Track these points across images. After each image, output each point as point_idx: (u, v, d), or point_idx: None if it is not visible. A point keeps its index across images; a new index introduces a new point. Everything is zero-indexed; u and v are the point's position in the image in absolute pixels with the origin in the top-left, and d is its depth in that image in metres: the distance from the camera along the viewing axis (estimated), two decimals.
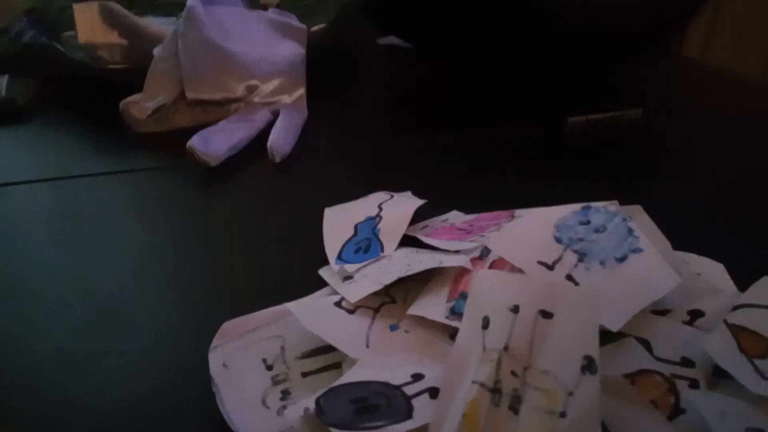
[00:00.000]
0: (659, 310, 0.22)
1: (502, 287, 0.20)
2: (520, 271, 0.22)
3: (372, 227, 0.29)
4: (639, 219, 0.25)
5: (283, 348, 0.23)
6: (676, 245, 0.25)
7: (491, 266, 0.23)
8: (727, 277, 0.25)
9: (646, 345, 0.20)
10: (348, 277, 0.26)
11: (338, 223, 0.31)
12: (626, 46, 0.46)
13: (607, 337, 0.20)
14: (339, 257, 0.28)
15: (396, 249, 0.27)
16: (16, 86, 0.47)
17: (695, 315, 0.22)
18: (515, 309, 0.19)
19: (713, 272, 0.25)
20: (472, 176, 0.36)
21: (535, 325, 0.19)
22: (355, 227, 0.30)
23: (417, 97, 0.48)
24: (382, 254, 0.27)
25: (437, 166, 0.37)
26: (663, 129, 0.42)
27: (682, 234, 0.26)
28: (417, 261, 0.25)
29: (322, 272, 0.27)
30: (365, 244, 0.28)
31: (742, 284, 0.24)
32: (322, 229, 0.30)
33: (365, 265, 0.26)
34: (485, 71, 0.52)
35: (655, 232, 0.24)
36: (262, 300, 0.25)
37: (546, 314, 0.19)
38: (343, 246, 0.29)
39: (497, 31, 0.43)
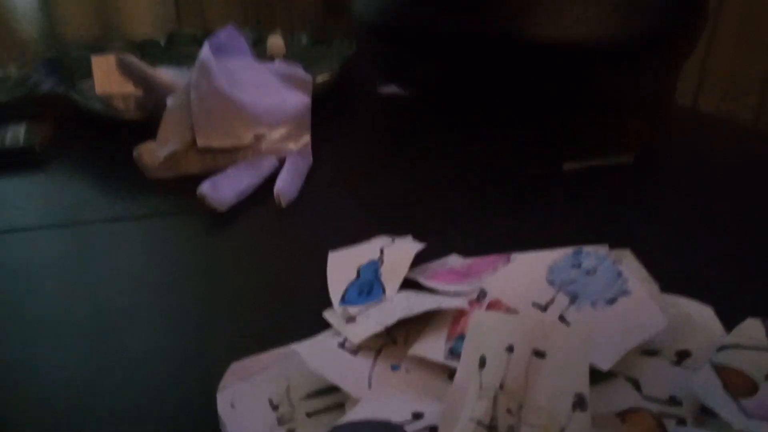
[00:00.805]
0: (648, 350, 0.23)
1: (498, 328, 0.21)
2: (516, 312, 0.23)
3: (374, 270, 0.31)
4: (628, 262, 0.26)
5: (288, 388, 0.23)
6: (666, 287, 0.26)
7: (488, 308, 0.24)
8: (716, 319, 0.26)
9: (636, 384, 0.21)
10: (351, 319, 0.27)
11: (341, 266, 0.32)
12: (621, 93, 0.48)
13: (598, 376, 0.21)
14: (342, 299, 0.29)
15: (397, 291, 0.28)
16: (33, 134, 0.49)
17: (683, 355, 0.23)
18: (510, 348, 0.20)
19: (702, 315, 0.26)
20: (471, 219, 0.38)
21: (529, 364, 0.20)
22: (358, 270, 0.31)
23: (416, 143, 0.50)
24: (383, 296, 0.28)
25: (437, 208, 0.39)
26: (655, 173, 0.43)
27: (672, 276, 0.27)
28: (418, 303, 0.26)
29: (327, 314, 0.28)
30: (368, 286, 0.29)
31: (731, 326, 0.25)
32: (326, 273, 0.32)
33: (368, 307, 0.27)
34: (483, 118, 0.54)
35: (643, 274, 0.26)
36: (268, 340, 0.26)
37: (539, 353, 0.20)
38: (347, 289, 0.30)
39: (494, 80, 0.45)
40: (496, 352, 0.20)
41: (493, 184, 0.42)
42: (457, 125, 0.54)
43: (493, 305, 0.24)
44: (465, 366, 0.21)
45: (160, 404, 0.24)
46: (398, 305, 0.26)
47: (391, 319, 0.25)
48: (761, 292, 0.29)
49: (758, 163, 0.45)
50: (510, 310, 0.24)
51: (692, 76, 0.88)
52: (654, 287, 0.25)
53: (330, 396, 0.23)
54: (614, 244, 0.29)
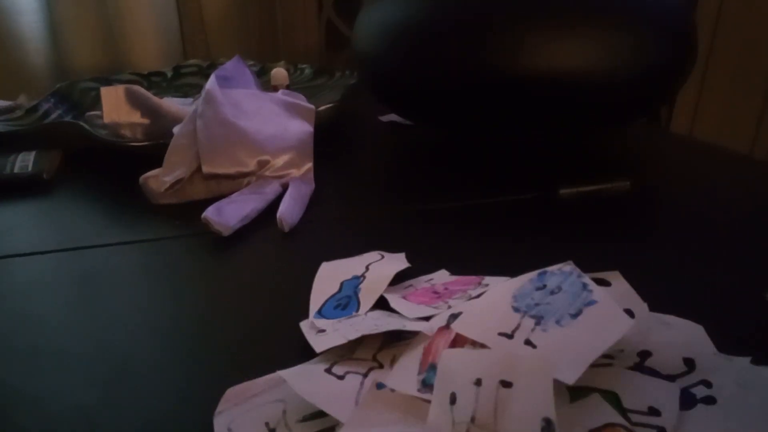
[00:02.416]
0: (610, 354, 0.23)
1: (465, 363, 0.22)
2: (483, 345, 0.24)
3: (354, 286, 0.32)
4: (617, 283, 0.27)
5: (284, 412, 0.24)
6: (657, 309, 0.27)
7: (457, 337, 0.24)
8: (707, 338, 0.26)
9: (615, 398, 0.22)
10: (321, 331, 0.28)
11: (327, 278, 0.33)
12: (615, 119, 0.49)
13: (575, 393, 0.22)
14: (319, 311, 0.30)
15: (372, 309, 0.29)
16: (42, 161, 0.51)
17: (644, 355, 0.23)
18: (478, 382, 0.21)
19: (693, 333, 0.26)
20: (467, 242, 0.38)
21: (497, 395, 0.21)
22: (341, 284, 0.32)
23: (415, 169, 0.51)
24: (355, 313, 0.29)
25: (435, 232, 0.40)
26: (650, 199, 0.44)
27: (662, 299, 0.28)
28: (384, 323, 0.27)
29: (302, 324, 0.29)
30: (345, 301, 0.31)
31: (721, 345, 0.25)
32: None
33: (338, 322, 0.28)
34: (481, 145, 0.55)
35: (632, 295, 0.26)
36: (268, 365, 0.26)
37: (506, 384, 0.21)
38: (326, 301, 0.31)
39: (491, 108, 0.46)
40: (466, 387, 0.21)
41: (490, 207, 0.43)
42: (455, 152, 0.55)
43: (460, 341, 0.25)
44: (436, 404, 0.21)
45: (159, 428, 0.24)
46: (365, 322, 0.27)
47: (356, 334, 0.26)
48: (752, 317, 0.30)
49: (751, 190, 0.46)
50: (476, 344, 0.24)
51: (688, 106, 0.90)
52: (643, 306, 0.26)
53: (326, 419, 0.23)
54: (608, 267, 0.29)
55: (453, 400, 0.21)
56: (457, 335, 0.24)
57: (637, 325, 0.25)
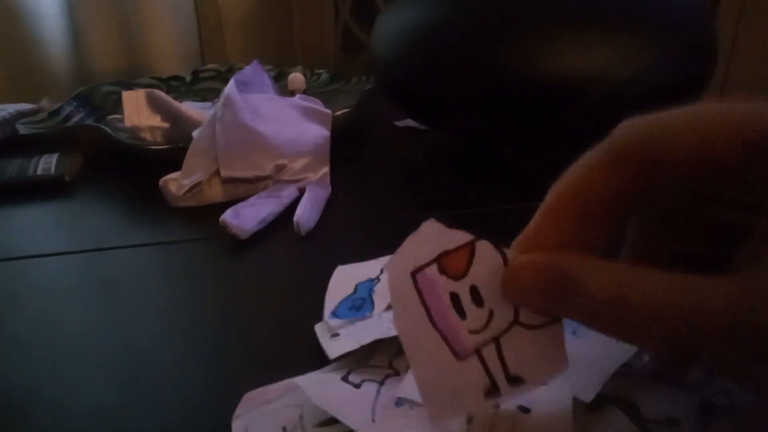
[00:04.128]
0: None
1: None
2: None
3: (369, 288, 0.32)
4: None
5: (301, 417, 0.23)
6: None
7: None
8: None
9: (634, 408, 0.22)
10: (335, 335, 0.28)
11: (343, 280, 0.33)
12: None
13: (594, 402, 0.21)
14: (333, 313, 0.30)
15: (386, 311, 0.29)
16: (64, 164, 0.52)
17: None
18: (497, 405, 0.21)
19: None
20: None
21: (515, 420, 0.20)
22: (356, 286, 0.32)
23: (432, 174, 0.51)
24: (367, 314, 0.29)
25: None
26: None
27: None
28: None
29: (317, 327, 0.29)
30: (360, 302, 0.31)
31: None
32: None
33: (351, 323, 0.28)
34: (498, 151, 0.55)
35: None
36: (285, 367, 0.26)
37: (524, 409, 0.21)
38: (340, 302, 0.31)
39: (508, 115, 0.46)
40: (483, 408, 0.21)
41: (508, 214, 0.43)
42: (471, 157, 0.55)
43: None
44: (455, 424, 0.21)
45: (177, 431, 0.25)
46: (379, 326, 0.27)
47: (369, 338, 0.26)
48: None
49: None
50: None
51: None
52: None
53: (343, 424, 0.23)
54: None
55: (470, 419, 0.21)
56: None
57: None
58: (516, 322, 0.19)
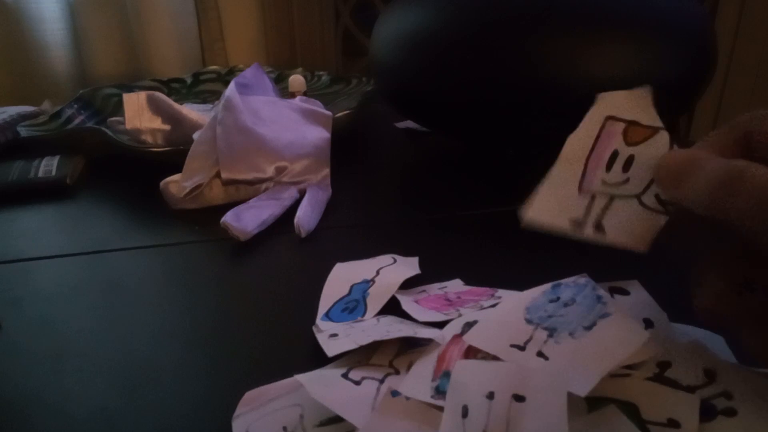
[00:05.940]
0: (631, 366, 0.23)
1: (478, 376, 0.22)
2: (495, 357, 0.24)
3: (363, 290, 0.32)
4: (636, 292, 0.26)
5: (302, 416, 0.24)
6: (677, 319, 0.27)
7: (466, 354, 0.24)
8: (728, 348, 0.26)
9: (634, 409, 0.22)
10: (334, 335, 0.28)
11: (339, 280, 0.33)
12: None
13: (594, 403, 0.22)
14: (326, 314, 0.30)
15: (382, 314, 0.29)
16: (65, 166, 0.52)
17: (664, 366, 0.23)
18: (491, 396, 0.21)
19: (713, 344, 0.26)
20: (483, 252, 0.38)
21: (510, 409, 0.21)
22: (350, 287, 0.32)
23: (432, 176, 0.52)
24: (360, 318, 0.29)
25: (450, 241, 0.40)
26: None
27: (684, 308, 0.28)
28: (396, 329, 0.27)
29: (315, 328, 0.29)
30: (353, 305, 0.31)
31: (742, 356, 0.25)
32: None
33: (346, 326, 0.28)
34: (497, 153, 0.55)
35: (651, 304, 0.26)
36: (285, 367, 0.26)
37: (519, 398, 0.21)
38: (334, 304, 0.31)
39: (508, 117, 0.46)
40: (478, 401, 0.21)
41: (507, 216, 0.43)
42: (471, 159, 0.55)
43: (473, 350, 0.25)
44: (449, 418, 0.21)
45: (180, 426, 0.25)
46: (377, 328, 0.27)
47: (366, 339, 0.26)
48: None
49: None
50: (489, 356, 0.24)
51: (707, 116, 0.89)
52: (663, 316, 0.26)
53: (343, 423, 0.23)
54: (625, 276, 0.29)
55: (465, 413, 0.21)
56: (468, 350, 0.24)
57: (656, 334, 0.24)
58: (638, 196, 0.24)
